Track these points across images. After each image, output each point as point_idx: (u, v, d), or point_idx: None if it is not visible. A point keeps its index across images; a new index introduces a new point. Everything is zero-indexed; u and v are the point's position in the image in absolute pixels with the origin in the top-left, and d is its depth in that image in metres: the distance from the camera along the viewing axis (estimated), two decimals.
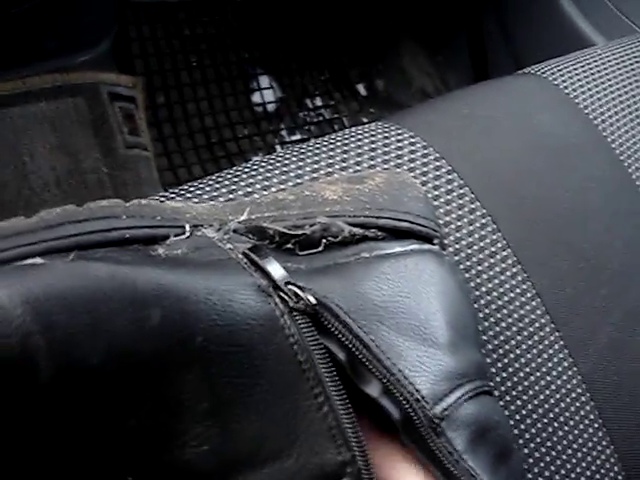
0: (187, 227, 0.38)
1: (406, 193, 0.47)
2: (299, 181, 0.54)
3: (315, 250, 0.41)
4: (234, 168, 0.55)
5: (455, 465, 0.38)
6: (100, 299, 0.30)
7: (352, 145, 0.58)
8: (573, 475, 0.56)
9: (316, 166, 0.56)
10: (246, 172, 0.54)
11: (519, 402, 0.55)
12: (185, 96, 1.35)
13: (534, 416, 0.56)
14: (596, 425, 0.58)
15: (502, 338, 0.56)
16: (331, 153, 0.57)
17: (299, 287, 0.36)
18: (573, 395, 0.57)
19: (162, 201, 0.49)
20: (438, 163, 0.59)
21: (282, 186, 0.53)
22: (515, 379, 0.55)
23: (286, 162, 0.55)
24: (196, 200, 0.50)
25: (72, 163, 1.06)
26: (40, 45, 1.07)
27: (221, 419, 0.33)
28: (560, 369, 0.57)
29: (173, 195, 0.51)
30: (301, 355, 0.35)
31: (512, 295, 0.57)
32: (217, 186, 0.52)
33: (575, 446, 0.57)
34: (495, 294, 0.56)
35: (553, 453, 0.56)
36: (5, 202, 0.99)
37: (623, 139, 0.69)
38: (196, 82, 1.37)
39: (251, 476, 0.34)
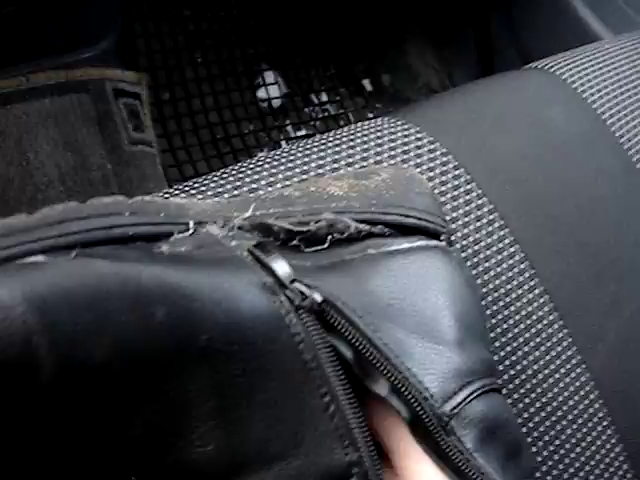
0: (191, 224, 0.37)
1: (413, 189, 0.47)
2: (305, 177, 0.53)
3: (321, 247, 0.40)
4: (239, 164, 0.55)
5: (466, 463, 0.38)
6: (103, 297, 0.30)
7: (358, 140, 0.58)
8: (582, 473, 0.56)
9: (322, 162, 0.55)
10: (251, 168, 0.54)
11: (527, 400, 0.55)
12: (190, 92, 1.35)
13: (542, 414, 0.55)
14: (605, 423, 0.58)
15: (510, 335, 0.55)
16: (337, 149, 0.57)
17: (305, 285, 0.36)
18: (582, 392, 0.57)
19: (166, 197, 0.48)
20: (445, 158, 0.59)
21: (287, 182, 0.52)
22: (523, 376, 0.55)
23: (291, 158, 0.55)
24: (201, 196, 0.50)
25: (76, 160, 1.05)
26: (44, 41, 1.06)
27: (227, 419, 0.33)
28: (569, 366, 0.57)
29: (177, 191, 0.51)
30: (307, 354, 0.35)
31: (520, 292, 0.57)
32: (222, 182, 0.52)
33: (584, 444, 0.57)
34: (503, 291, 0.56)
35: (562, 451, 0.55)
36: (9, 199, 0.99)
37: (631, 133, 0.69)
38: (201, 78, 1.37)
39: (257, 476, 0.34)
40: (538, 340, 0.56)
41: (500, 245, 0.57)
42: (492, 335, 0.54)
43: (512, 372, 0.55)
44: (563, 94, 0.70)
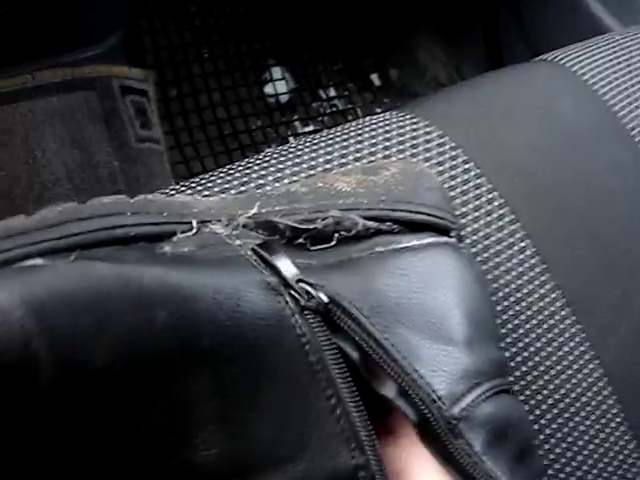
0: (194, 223, 0.37)
1: (422, 184, 0.46)
2: (312, 172, 0.53)
3: (327, 245, 0.40)
4: (245, 160, 0.54)
5: (474, 467, 0.37)
6: (104, 299, 0.29)
7: (366, 135, 0.57)
8: (595, 471, 0.55)
9: (329, 157, 0.54)
10: (258, 164, 0.53)
11: (539, 397, 0.54)
12: (197, 88, 1.35)
13: (555, 411, 0.55)
14: (618, 419, 0.57)
15: (521, 331, 0.54)
16: (345, 143, 0.56)
17: (311, 285, 0.35)
18: (595, 388, 0.56)
19: (171, 195, 0.48)
20: (454, 153, 0.58)
21: (295, 177, 0.52)
22: (535, 373, 0.54)
23: (299, 153, 0.54)
24: (207, 193, 0.49)
25: (84, 157, 1.05)
26: (49, 39, 1.06)
27: (231, 422, 0.33)
28: (582, 362, 0.56)
29: (184, 188, 0.50)
30: (313, 356, 0.34)
31: (532, 287, 0.56)
32: (228, 178, 0.51)
33: (597, 440, 0.56)
34: (514, 286, 0.55)
35: (575, 448, 0.55)
36: (16, 197, 0.99)
37: None
38: (208, 74, 1.36)
39: (263, 479, 0.33)
40: (550, 336, 0.55)
41: (511, 240, 0.57)
42: (503, 331, 0.54)
43: (524, 369, 0.54)
44: (573, 86, 0.69)
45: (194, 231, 0.36)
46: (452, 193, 0.56)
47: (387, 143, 0.57)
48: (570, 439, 0.55)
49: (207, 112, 1.34)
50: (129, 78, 1.18)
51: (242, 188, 0.51)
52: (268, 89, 1.42)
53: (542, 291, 0.56)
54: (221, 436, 0.32)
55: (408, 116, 0.61)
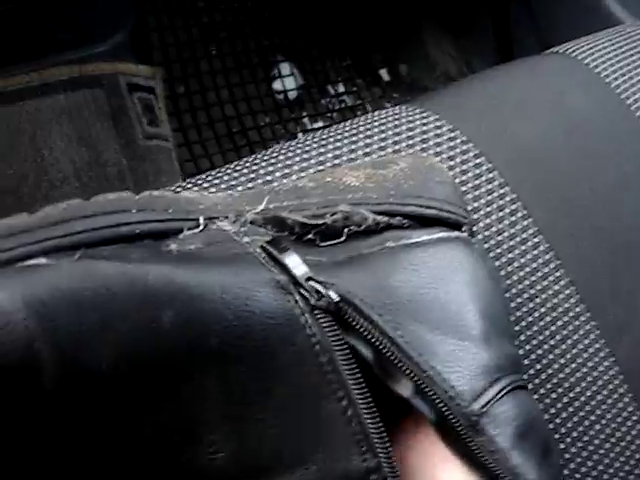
0: (201, 220, 0.36)
1: (432, 178, 0.45)
2: (321, 167, 0.52)
3: (337, 240, 0.39)
4: (253, 156, 0.53)
5: (497, 464, 0.36)
6: (109, 298, 0.29)
7: (375, 130, 0.56)
8: (611, 470, 0.55)
9: (338, 152, 0.54)
10: (265, 160, 0.52)
11: (554, 395, 0.53)
12: (205, 85, 1.34)
13: (570, 409, 0.54)
14: (635, 418, 0.56)
15: (535, 328, 0.54)
16: (354, 138, 0.55)
17: (321, 283, 0.35)
18: (610, 386, 0.56)
19: (178, 191, 0.47)
20: (465, 147, 0.57)
21: (303, 173, 0.51)
22: (550, 371, 0.53)
23: (307, 149, 0.54)
24: (214, 190, 0.49)
25: (91, 155, 1.05)
26: (56, 37, 1.06)
27: (239, 422, 0.32)
28: (597, 359, 0.55)
29: (191, 185, 0.50)
30: (323, 356, 0.33)
31: (545, 283, 0.55)
32: (236, 175, 0.51)
33: (613, 439, 0.55)
34: (527, 282, 0.55)
35: (591, 447, 0.54)
36: (24, 195, 0.98)
37: None
38: (216, 71, 1.36)
39: None
40: (565, 333, 0.55)
41: (524, 235, 0.56)
42: (517, 328, 0.53)
43: (538, 366, 0.53)
44: (585, 79, 0.68)
45: (201, 228, 0.36)
46: (463, 188, 0.55)
47: (396, 138, 0.56)
48: (586, 438, 0.54)
49: (215, 109, 1.34)
50: (136, 75, 1.17)
51: (250, 185, 0.50)
52: (276, 86, 1.41)
53: (556, 287, 0.55)
54: (229, 437, 0.32)
55: (418, 110, 0.60)
